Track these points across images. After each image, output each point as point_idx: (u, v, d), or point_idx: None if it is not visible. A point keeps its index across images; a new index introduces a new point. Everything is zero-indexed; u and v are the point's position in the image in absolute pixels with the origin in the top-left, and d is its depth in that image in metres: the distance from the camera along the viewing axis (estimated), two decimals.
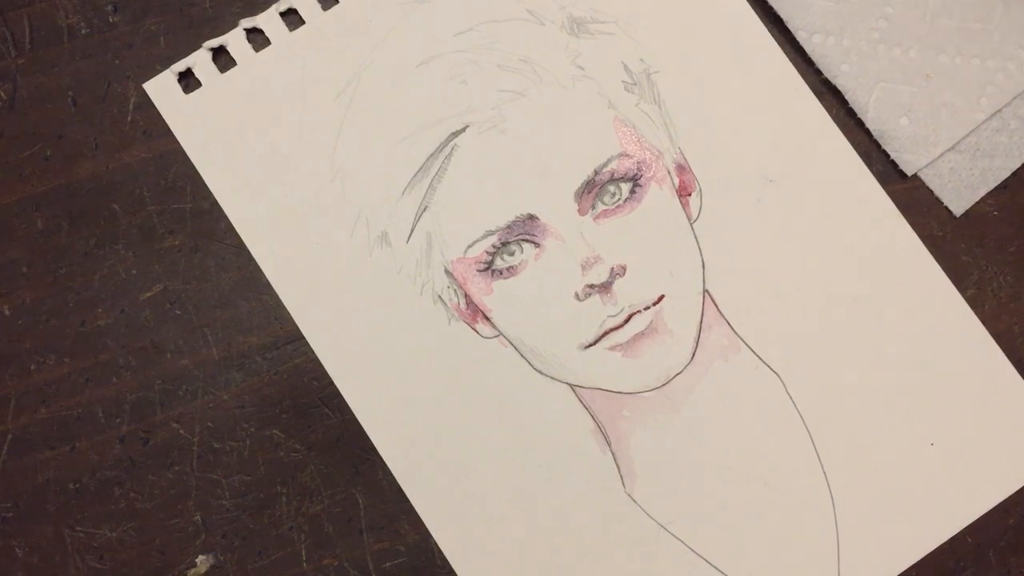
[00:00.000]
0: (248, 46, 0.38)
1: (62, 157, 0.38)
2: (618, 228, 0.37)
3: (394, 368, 0.37)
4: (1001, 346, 0.38)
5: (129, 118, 0.39)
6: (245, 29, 0.38)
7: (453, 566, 0.37)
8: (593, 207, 0.36)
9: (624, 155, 0.37)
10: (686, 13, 0.39)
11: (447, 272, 0.37)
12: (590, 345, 0.36)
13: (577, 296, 0.36)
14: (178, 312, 0.38)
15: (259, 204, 0.38)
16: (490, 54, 0.37)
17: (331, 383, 0.37)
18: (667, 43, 0.39)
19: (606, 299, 0.36)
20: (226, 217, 0.38)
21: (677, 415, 0.37)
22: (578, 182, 0.36)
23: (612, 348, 0.36)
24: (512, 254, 0.37)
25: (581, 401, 0.37)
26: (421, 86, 0.37)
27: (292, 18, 0.39)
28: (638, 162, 0.37)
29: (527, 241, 0.36)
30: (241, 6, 0.39)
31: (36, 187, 0.38)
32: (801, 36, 0.39)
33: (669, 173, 0.38)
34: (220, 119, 0.38)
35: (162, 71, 0.38)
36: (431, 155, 0.37)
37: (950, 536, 0.37)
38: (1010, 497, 0.37)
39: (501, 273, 0.37)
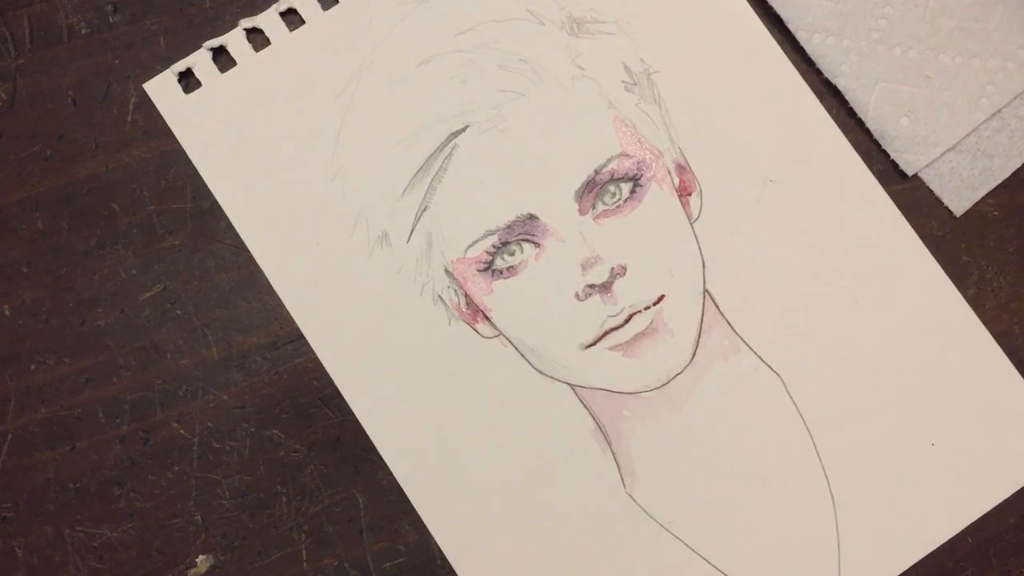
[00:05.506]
0: (248, 46, 0.38)
1: (62, 157, 0.38)
2: (618, 228, 0.37)
3: (394, 368, 0.37)
4: (1001, 346, 0.38)
5: (129, 118, 0.39)
6: (245, 29, 0.38)
7: (453, 566, 0.37)
8: (593, 207, 0.36)
9: (624, 155, 0.37)
10: (686, 13, 0.39)
11: (447, 272, 0.37)
12: (590, 345, 0.36)
13: (577, 296, 0.36)
14: (178, 312, 0.38)
15: (259, 204, 0.38)
16: (490, 54, 0.37)
17: (331, 383, 0.37)
18: (667, 43, 0.39)
19: (606, 299, 0.36)
20: (226, 217, 0.38)
21: (677, 415, 0.37)
22: (578, 182, 0.36)
23: (612, 348, 0.36)
24: (512, 254, 0.37)
25: (581, 401, 0.37)
26: (421, 86, 0.37)
27: (292, 18, 0.39)
28: (638, 162, 0.37)
29: (527, 241, 0.36)
30: (241, 6, 0.39)
31: (36, 187, 0.38)
32: (801, 36, 0.39)
33: (669, 173, 0.38)
34: (220, 119, 0.38)
35: (162, 71, 0.38)
36: (431, 155, 0.37)
37: (950, 536, 0.37)
38: (1010, 497, 0.37)
39: (501, 273, 0.37)
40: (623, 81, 0.38)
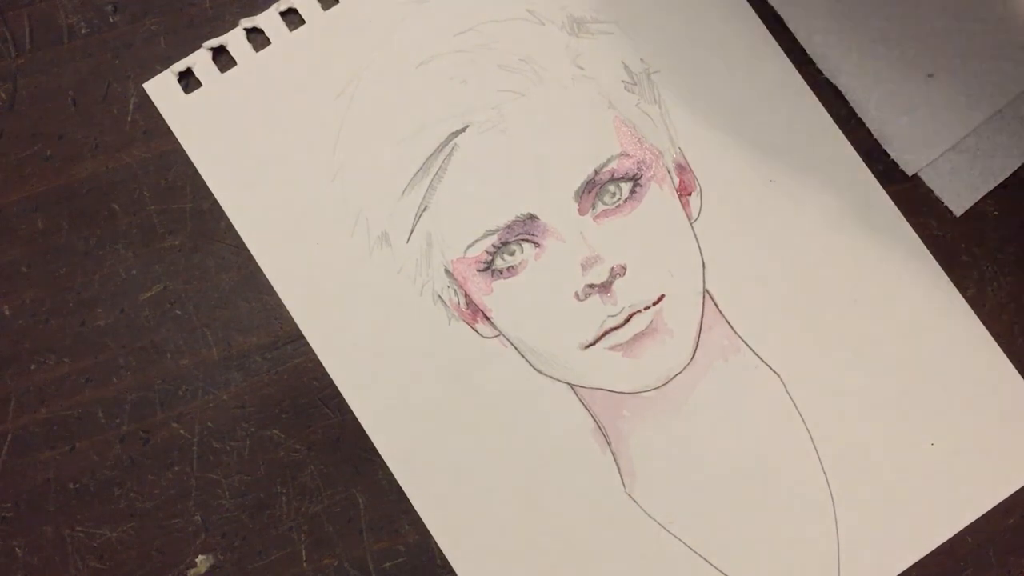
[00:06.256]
0: (248, 46, 0.38)
1: (62, 157, 0.38)
2: (618, 228, 0.37)
3: (394, 368, 0.37)
4: (1001, 346, 0.38)
5: (129, 118, 0.39)
6: (245, 29, 0.38)
7: (453, 566, 0.37)
8: (593, 207, 0.36)
9: (624, 155, 0.37)
10: (686, 13, 0.39)
11: (447, 272, 0.37)
12: (590, 345, 0.36)
13: (577, 296, 0.36)
14: (178, 312, 0.38)
15: (259, 204, 0.38)
16: (490, 54, 0.37)
17: (331, 383, 0.37)
18: (667, 43, 0.39)
19: (606, 299, 0.36)
20: (226, 217, 0.38)
21: (677, 415, 0.37)
22: (578, 182, 0.36)
23: (612, 348, 0.36)
24: (512, 254, 0.37)
25: (581, 401, 0.37)
26: (421, 86, 0.37)
27: (292, 18, 0.39)
28: (638, 162, 0.37)
29: (527, 241, 0.36)
30: (241, 6, 0.39)
31: (36, 187, 0.38)
32: (801, 36, 0.39)
33: (669, 173, 0.38)
34: (220, 119, 0.38)
35: (162, 71, 0.38)
36: (431, 155, 0.37)
37: (950, 536, 0.37)
38: (1010, 497, 0.37)
39: (501, 273, 0.37)
40: (623, 81, 0.38)
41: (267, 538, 0.37)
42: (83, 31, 0.39)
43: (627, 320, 0.36)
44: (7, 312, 0.38)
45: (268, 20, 0.38)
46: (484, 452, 0.37)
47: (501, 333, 0.37)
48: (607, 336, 0.36)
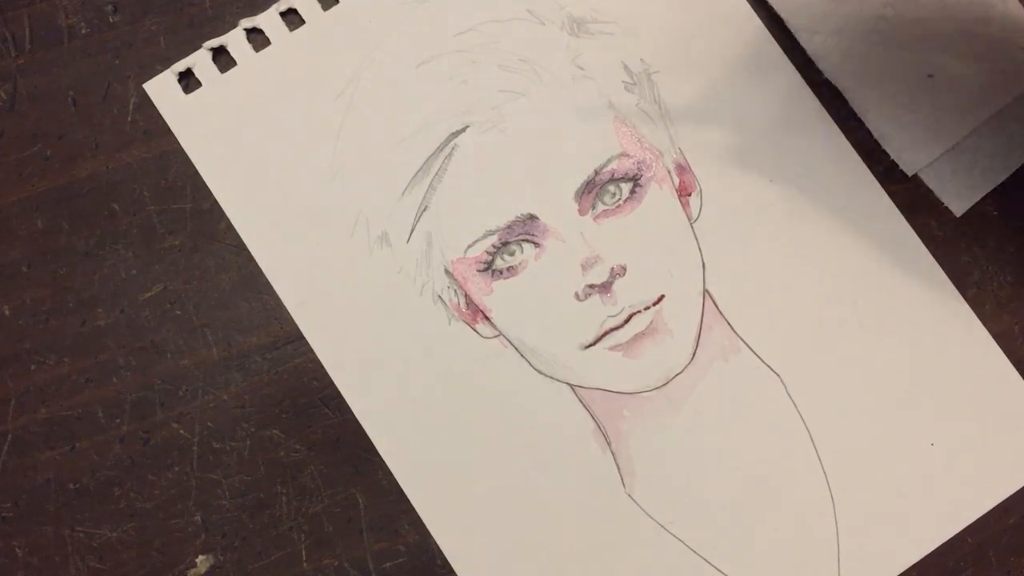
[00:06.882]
0: (248, 46, 0.38)
1: (62, 157, 0.38)
2: (618, 228, 0.37)
3: (394, 368, 0.37)
4: (1001, 346, 0.38)
5: (129, 118, 0.39)
6: (245, 29, 0.38)
7: (453, 566, 0.37)
8: (593, 207, 0.36)
9: (624, 155, 0.37)
10: (686, 13, 0.39)
11: (447, 272, 0.37)
12: (590, 345, 0.36)
13: (577, 296, 0.36)
14: (178, 312, 0.38)
15: (259, 204, 0.38)
16: (490, 54, 0.37)
17: (331, 383, 0.37)
18: (667, 43, 0.39)
19: (606, 299, 0.36)
20: (226, 217, 0.38)
21: (677, 415, 0.37)
22: (578, 182, 0.36)
23: (612, 348, 0.36)
24: (512, 254, 0.37)
25: (581, 401, 0.37)
26: (421, 86, 0.37)
27: (292, 18, 0.39)
28: (638, 162, 0.37)
29: (527, 241, 0.36)
30: (241, 6, 0.39)
31: (36, 187, 0.38)
32: (801, 36, 0.39)
33: (669, 173, 0.38)
34: (220, 119, 0.38)
35: (162, 71, 0.38)
36: (431, 155, 0.37)
37: (950, 536, 0.37)
38: (1010, 497, 0.37)
39: (501, 273, 0.37)
40: (623, 81, 0.38)
41: (267, 538, 0.37)
42: (83, 31, 0.39)
43: (627, 320, 0.36)
44: (7, 312, 0.38)
45: (268, 20, 0.38)
46: (484, 452, 0.37)
47: (501, 333, 0.37)
48: (607, 336, 0.36)
